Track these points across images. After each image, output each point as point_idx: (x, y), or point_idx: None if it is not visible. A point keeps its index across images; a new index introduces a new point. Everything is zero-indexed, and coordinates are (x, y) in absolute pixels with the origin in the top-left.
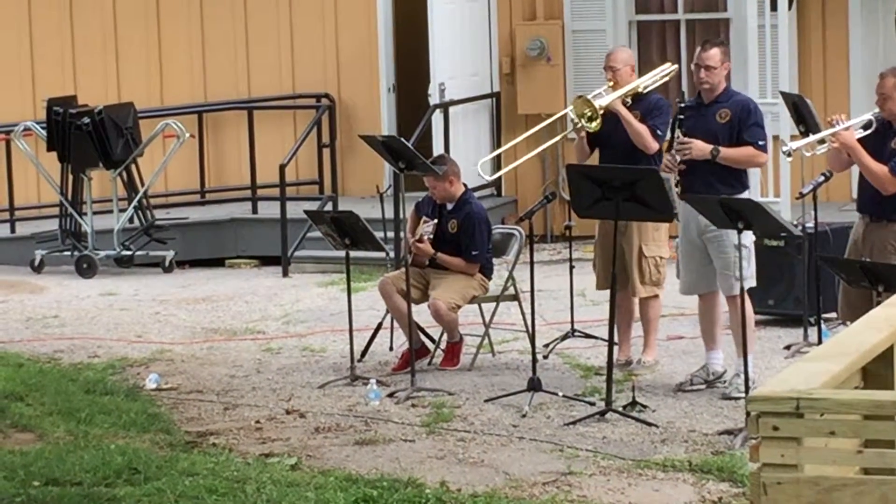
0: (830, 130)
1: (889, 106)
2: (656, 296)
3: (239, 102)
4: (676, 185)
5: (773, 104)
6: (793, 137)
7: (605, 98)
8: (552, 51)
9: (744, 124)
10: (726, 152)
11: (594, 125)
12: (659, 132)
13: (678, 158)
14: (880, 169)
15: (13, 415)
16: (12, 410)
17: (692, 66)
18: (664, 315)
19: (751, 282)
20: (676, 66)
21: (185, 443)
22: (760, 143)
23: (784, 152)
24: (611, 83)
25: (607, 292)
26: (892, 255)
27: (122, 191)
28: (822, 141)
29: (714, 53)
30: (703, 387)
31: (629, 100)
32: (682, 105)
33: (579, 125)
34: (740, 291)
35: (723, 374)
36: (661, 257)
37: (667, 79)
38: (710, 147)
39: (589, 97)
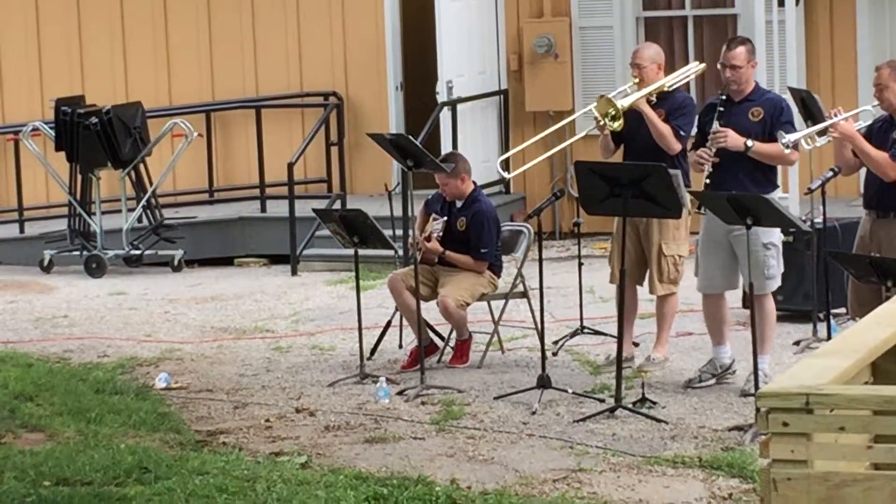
0: (829, 122)
1: (887, 95)
2: (673, 293)
3: (247, 101)
4: (706, 184)
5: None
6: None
7: (629, 97)
8: (559, 48)
9: (776, 122)
10: (759, 147)
11: (617, 125)
12: (682, 133)
13: (713, 150)
14: (881, 156)
15: (23, 415)
16: (22, 411)
17: (718, 66)
18: (677, 311)
19: (777, 282)
20: (704, 64)
21: (195, 442)
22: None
23: (783, 144)
24: (636, 80)
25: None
26: None
27: (131, 190)
28: (823, 133)
29: (739, 52)
30: (712, 382)
31: (654, 98)
32: (723, 98)
33: (602, 123)
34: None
35: (731, 366)
36: (680, 255)
37: (692, 76)
38: (743, 139)
39: (612, 96)
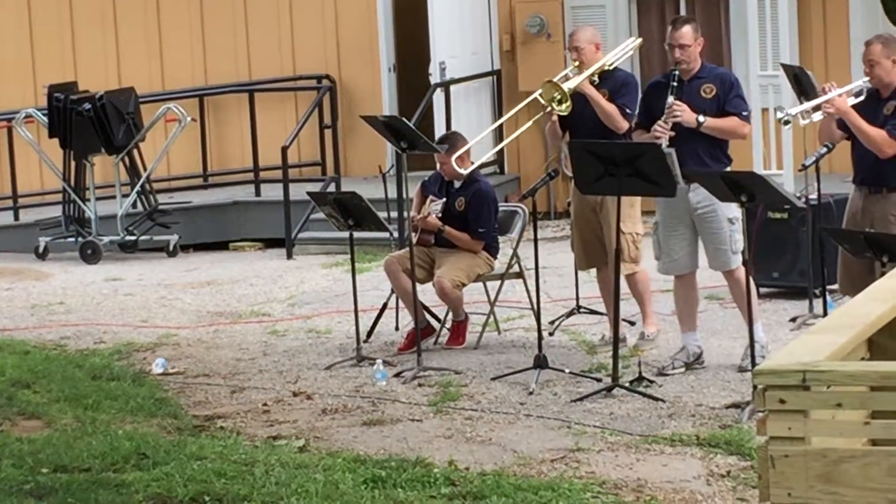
0: (824, 98)
1: (877, 72)
2: (637, 271)
3: (240, 85)
4: None
5: (773, 76)
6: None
7: (572, 80)
8: (552, 27)
9: (727, 96)
10: (712, 122)
11: (564, 108)
12: (628, 111)
13: (669, 123)
14: (877, 132)
15: (20, 402)
16: (19, 398)
17: (665, 46)
18: (664, 290)
19: (741, 257)
20: (640, 39)
21: (193, 427)
22: (744, 113)
23: (779, 119)
24: (576, 63)
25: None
26: (893, 226)
27: (125, 176)
28: (817, 108)
29: (686, 31)
30: (682, 370)
31: (596, 78)
32: (676, 73)
33: (549, 109)
34: (740, 262)
35: (701, 355)
36: (637, 233)
37: (632, 52)
38: (695, 116)
39: (556, 80)
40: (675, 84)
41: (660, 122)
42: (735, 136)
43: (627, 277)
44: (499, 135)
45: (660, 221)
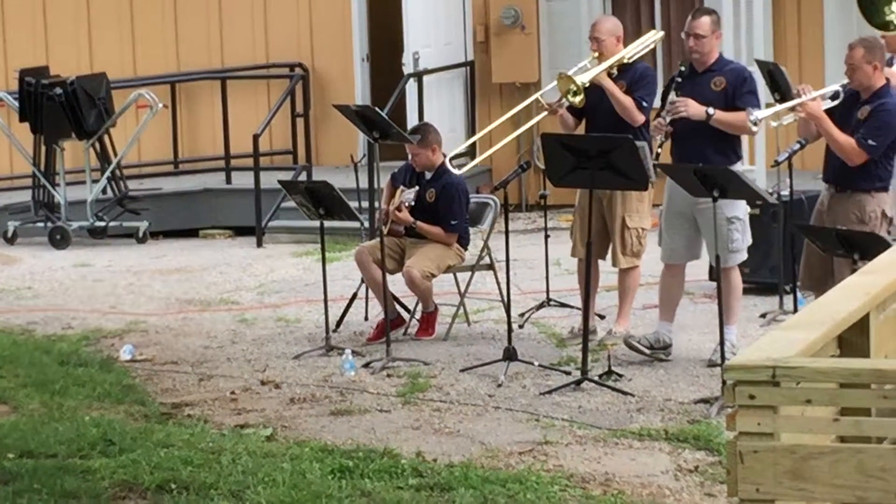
0: (797, 101)
1: (858, 76)
2: (636, 266)
3: (212, 72)
4: (656, 156)
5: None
6: (768, 105)
7: (589, 72)
8: (526, 19)
9: (738, 91)
10: (720, 115)
11: (578, 100)
12: (644, 104)
13: (668, 119)
14: (846, 141)
15: None
16: None
17: (682, 35)
18: (642, 284)
19: (742, 255)
20: (662, 32)
21: (160, 414)
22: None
23: (750, 121)
24: (595, 54)
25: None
26: (855, 226)
27: (95, 161)
28: (790, 110)
29: (704, 21)
30: (646, 350)
31: (615, 70)
32: (682, 68)
33: (564, 102)
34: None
35: (669, 347)
36: (643, 228)
37: (653, 46)
38: (704, 108)
39: (571, 73)
40: (678, 80)
41: (659, 119)
42: (743, 130)
43: (622, 271)
44: (471, 126)
45: (663, 210)
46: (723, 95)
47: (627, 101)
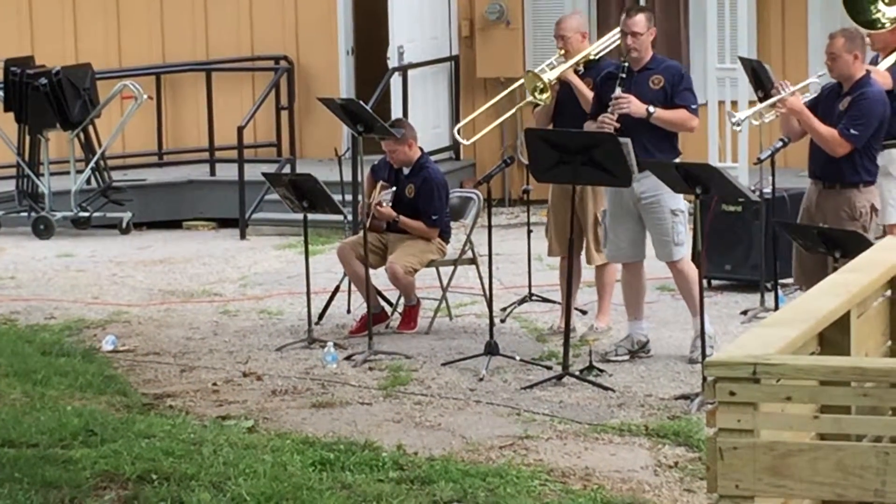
0: (776, 98)
1: (838, 66)
2: (610, 262)
3: (197, 64)
4: None
5: (731, 69)
6: (751, 103)
7: (555, 70)
8: (511, 14)
9: (676, 89)
10: (661, 113)
11: (545, 97)
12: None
13: (616, 115)
14: (829, 132)
15: None
16: None
17: (619, 33)
18: (619, 280)
19: (686, 248)
20: None
21: (142, 405)
22: (693, 106)
23: (733, 123)
24: (562, 51)
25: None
26: (845, 222)
27: (80, 152)
28: (771, 108)
29: (640, 20)
30: (626, 357)
31: (581, 67)
32: (624, 65)
33: (530, 99)
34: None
35: (646, 344)
36: None
37: (618, 43)
38: (645, 106)
39: (537, 70)
40: (623, 76)
41: (606, 115)
42: (683, 128)
43: (598, 268)
44: (456, 121)
45: (608, 209)
46: (662, 93)
47: (594, 96)
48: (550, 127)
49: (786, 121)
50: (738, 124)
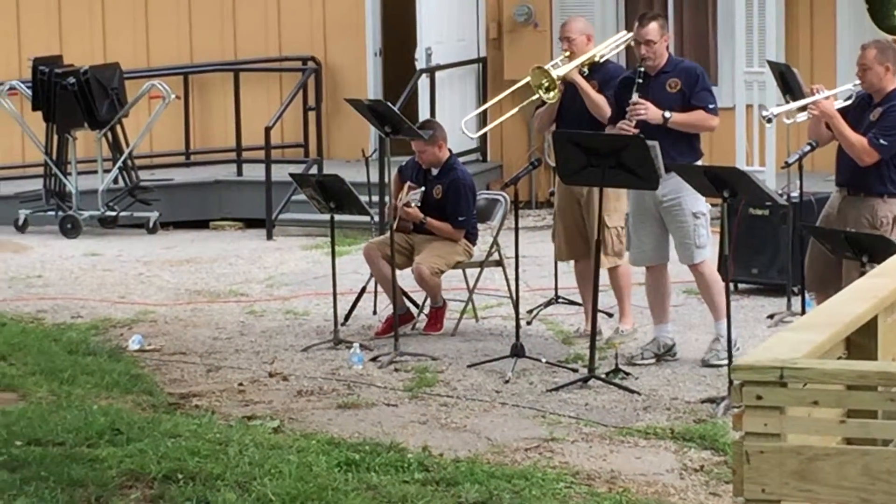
0: (811, 99)
1: (869, 77)
2: (620, 265)
3: (225, 64)
4: None
5: (759, 73)
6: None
7: (561, 68)
8: (539, 16)
9: (692, 90)
10: (677, 117)
11: (552, 95)
12: None
13: (633, 121)
14: (858, 140)
15: None
16: None
17: (632, 43)
18: (640, 283)
19: (708, 251)
20: (632, 33)
21: (168, 404)
22: (710, 106)
23: (764, 118)
24: (567, 53)
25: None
26: (865, 230)
27: (107, 151)
28: (803, 109)
29: (652, 28)
30: (653, 360)
31: (586, 69)
32: (640, 70)
33: (536, 96)
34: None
35: (672, 347)
36: (621, 227)
37: (622, 47)
38: (661, 112)
39: (546, 67)
40: (639, 81)
41: (623, 123)
42: (702, 129)
43: (609, 271)
44: (482, 120)
45: (630, 213)
46: (680, 96)
47: (600, 98)
48: (553, 128)
49: (815, 125)
50: (770, 119)
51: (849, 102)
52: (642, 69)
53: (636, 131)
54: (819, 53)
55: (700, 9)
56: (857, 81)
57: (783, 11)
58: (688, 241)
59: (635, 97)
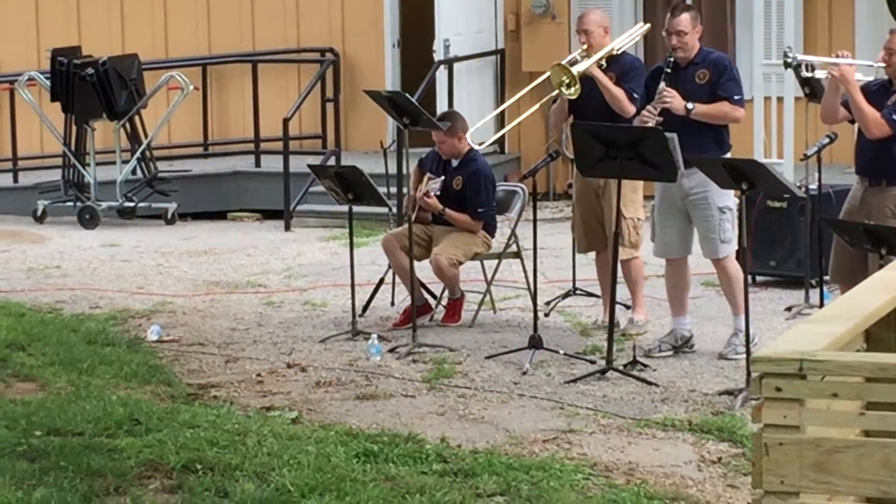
0: (834, 59)
1: (895, 61)
2: (636, 257)
3: (243, 55)
4: None
5: (778, 65)
6: (797, 100)
7: (581, 64)
8: (557, 8)
9: (719, 80)
10: (701, 108)
11: (573, 91)
12: (635, 95)
13: (658, 109)
14: (871, 112)
15: (15, 364)
16: (14, 360)
17: (663, 33)
18: (660, 276)
19: (733, 245)
20: (648, 25)
21: (187, 395)
22: (736, 97)
23: (786, 60)
24: (584, 46)
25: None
26: (890, 219)
27: (126, 142)
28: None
29: (684, 18)
30: (670, 353)
31: (604, 62)
32: (670, 60)
33: (556, 93)
34: (730, 252)
35: (690, 339)
36: (638, 219)
37: (638, 38)
38: (684, 104)
39: (564, 63)
40: (668, 70)
41: (648, 107)
42: (727, 120)
43: (623, 262)
44: (500, 115)
45: (656, 205)
46: (708, 87)
47: (619, 91)
48: (571, 121)
49: (830, 100)
50: (793, 62)
51: (868, 80)
52: (672, 59)
53: (660, 119)
54: (837, 46)
55: (719, 1)
56: (880, 63)
57: (801, 4)
58: (713, 235)
59: (662, 86)
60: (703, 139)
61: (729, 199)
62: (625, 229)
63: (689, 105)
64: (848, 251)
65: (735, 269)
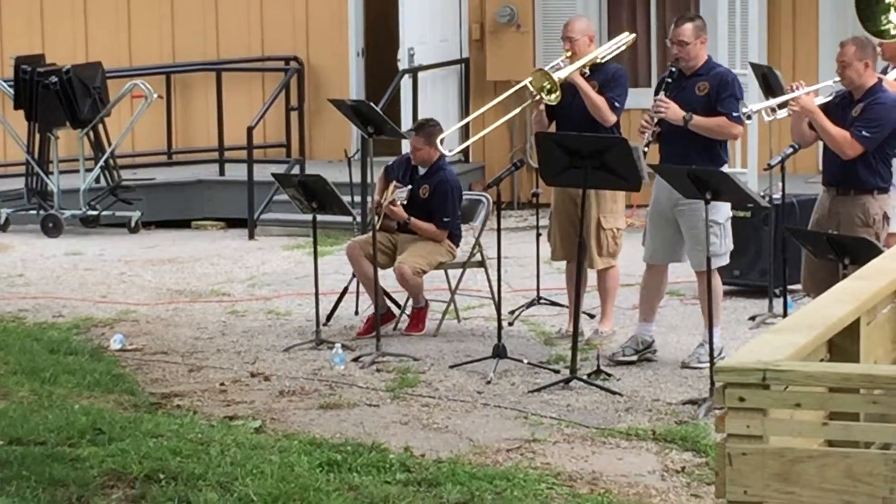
0: (791, 95)
1: (849, 74)
2: (612, 266)
3: (207, 64)
4: (645, 153)
5: (742, 75)
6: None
7: (563, 70)
8: (522, 18)
9: (719, 95)
10: (698, 120)
11: (554, 97)
12: (616, 104)
13: (655, 119)
14: (840, 133)
15: None
16: None
17: (667, 42)
18: (628, 284)
19: (724, 259)
20: (634, 34)
21: (150, 404)
22: (734, 114)
23: (743, 114)
24: (569, 53)
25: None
26: (858, 228)
27: (89, 150)
28: (783, 106)
29: (687, 28)
30: (634, 357)
31: (587, 70)
32: (673, 70)
33: (538, 98)
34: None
35: (652, 344)
36: (618, 228)
37: (623, 48)
38: (682, 114)
39: (547, 69)
40: (669, 80)
41: (645, 117)
42: (724, 135)
43: (600, 272)
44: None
45: (649, 211)
46: (706, 100)
47: (600, 100)
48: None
49: (797, 125)
50: (750, 116)
51: (829, 99)
52: (675, 69)
53: (657, 129)
54: (801, 56)
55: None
56: (837, 78)
57: (765, 13)
58: (699, 247)
59: (661, 95)
60: (702, 151)
61: (720, 213)
62: (604, 239)
63: (688, 116)
64: (817, 261)
65: (716, 283)
